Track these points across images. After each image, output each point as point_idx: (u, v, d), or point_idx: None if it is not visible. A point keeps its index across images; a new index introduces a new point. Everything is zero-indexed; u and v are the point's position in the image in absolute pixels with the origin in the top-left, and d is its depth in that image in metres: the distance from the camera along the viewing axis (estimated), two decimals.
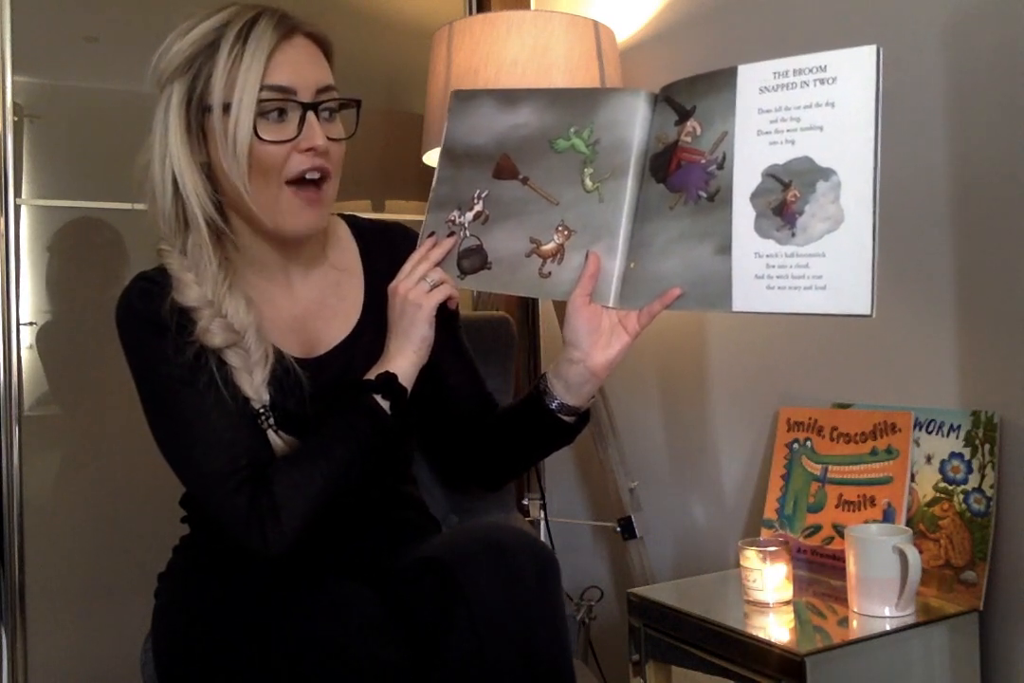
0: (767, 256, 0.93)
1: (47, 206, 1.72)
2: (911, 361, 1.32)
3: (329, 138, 1.04)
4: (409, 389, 1.07)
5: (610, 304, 1.03)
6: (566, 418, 1.09)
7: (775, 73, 0.94)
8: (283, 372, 1.06)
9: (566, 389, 1.08)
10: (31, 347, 1.69)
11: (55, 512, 1.69)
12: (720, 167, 0.96)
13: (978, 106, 1.24)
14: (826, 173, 0.90)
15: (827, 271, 0.90)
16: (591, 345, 1.04)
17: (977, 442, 1.21)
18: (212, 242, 1.05)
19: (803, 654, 1.04)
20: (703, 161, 0.98)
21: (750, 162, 0.95)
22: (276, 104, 1.01)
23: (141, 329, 1.05)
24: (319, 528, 1.02)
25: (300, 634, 0.95)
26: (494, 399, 1.23)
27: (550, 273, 1.06)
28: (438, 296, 1.08)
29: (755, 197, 0.94)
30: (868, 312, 0.88)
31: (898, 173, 1.32)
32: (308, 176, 1.04)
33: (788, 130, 0.92)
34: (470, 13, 2.12)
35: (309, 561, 1.07)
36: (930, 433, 1.27)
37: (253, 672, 0.96)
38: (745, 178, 0.95)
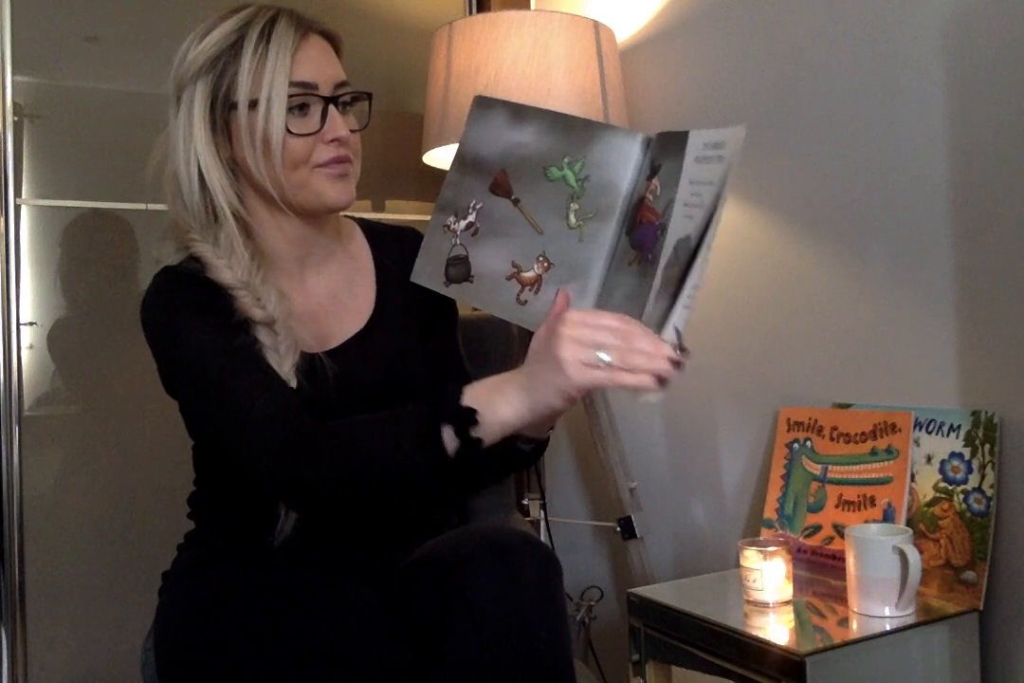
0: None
1: (47, 206, 1.72)
2: (911, 361, 1.32)
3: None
4: (491, 442, 0.92)
5: None
6: (524, 447, 1.06)
7: (704, 144, 0.90)
8: (303, 363, 1.06)
9: None
10: (31, 347, 1.69)
11: (55, 512, 1.69)
12: (663, 232, 0.92)
13: (978, 106, 1.24)
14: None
15: None
16: None
17: (977, 442, 1.21)
18: (242, 235, 1.07)
19: (803, 654, 1.04)
20: (656, 223, 0.94)
21: (673, 233, 0.91)
22: (299, 99, 1.04)
23: (176, 310, 1.04)
24: (320, 513, 1.01)
25: (301, 634, 0.95)
26: None
27: (526, 301, 1.04)
28: (593, 377, 0.85)
29: (666, 269, 0.91)
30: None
31: (898, 173, 1.32)
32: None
33: (695, 205, 0.90)
34: (470, 13, 2.11)
35: (310, 561, 1.07)
36: (930, 433, 1.27)
37: (254, 672, 0.96)
38: (668, 248, 0.91)
